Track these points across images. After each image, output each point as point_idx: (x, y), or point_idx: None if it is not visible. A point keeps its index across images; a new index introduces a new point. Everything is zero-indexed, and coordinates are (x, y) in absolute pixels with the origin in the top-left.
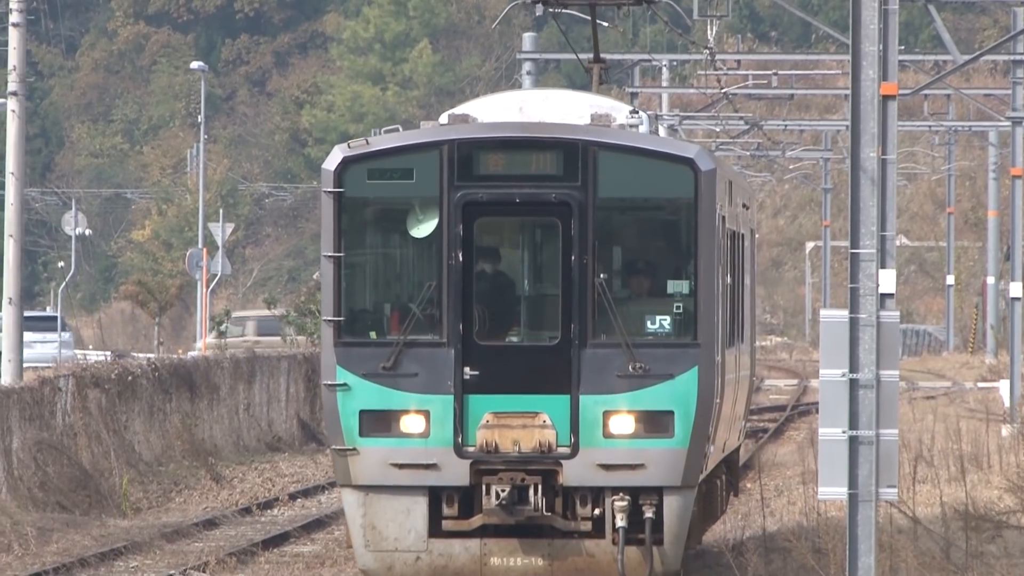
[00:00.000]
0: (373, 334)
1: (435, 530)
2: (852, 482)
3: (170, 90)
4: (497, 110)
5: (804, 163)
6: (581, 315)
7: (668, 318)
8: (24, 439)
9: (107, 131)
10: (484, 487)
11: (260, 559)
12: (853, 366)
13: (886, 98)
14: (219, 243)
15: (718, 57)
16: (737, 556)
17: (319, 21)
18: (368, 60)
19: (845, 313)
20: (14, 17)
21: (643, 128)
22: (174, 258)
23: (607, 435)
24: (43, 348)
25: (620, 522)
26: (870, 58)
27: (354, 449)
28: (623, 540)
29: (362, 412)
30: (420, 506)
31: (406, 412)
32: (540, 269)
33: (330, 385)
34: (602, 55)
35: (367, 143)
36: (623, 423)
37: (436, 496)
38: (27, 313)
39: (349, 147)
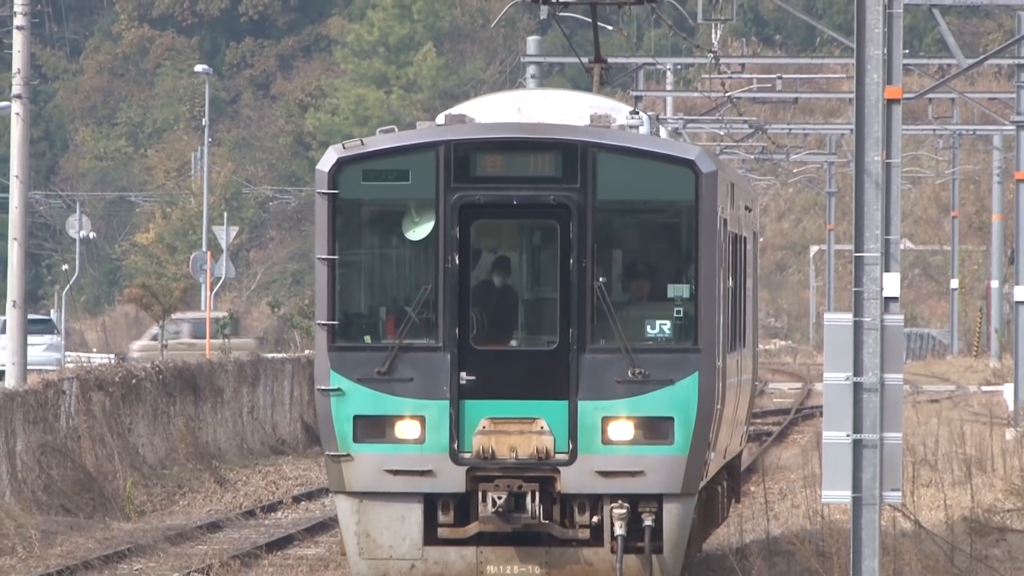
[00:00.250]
0: (368, 338)
1: (430, 538)
2: (856, 485)
3: (174, 93)
4: (495, 110)
5: (808, 167)
6: (580, 319)
7: (668, 323)
8: (28, 442)
9: (111, 134)
10: (480, 494)
11: (264, 562)
12: (857, 370)
13: (890, 102)
14: (223, 246)
15: (722, 61)
16: (741, 559)
17: (323, 24)
18: (372, 63)
19: (849, 317)
20: (18, 20)
21: (643, 129)
22: (178, 261)
23: (606, 441)
24: (34, 352)
25: (619, 530)
26: (874, 62)
27: (348, 455)
28: (622, 548)
29: (356, 417)
30: (415, 513)
31: (401, 418)
32: (538, 272)
33: (324, 390)
34: (606, 58)
35: (362, 144)
36: (622, 429)
37: (431, 503)
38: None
39: (344, 148)
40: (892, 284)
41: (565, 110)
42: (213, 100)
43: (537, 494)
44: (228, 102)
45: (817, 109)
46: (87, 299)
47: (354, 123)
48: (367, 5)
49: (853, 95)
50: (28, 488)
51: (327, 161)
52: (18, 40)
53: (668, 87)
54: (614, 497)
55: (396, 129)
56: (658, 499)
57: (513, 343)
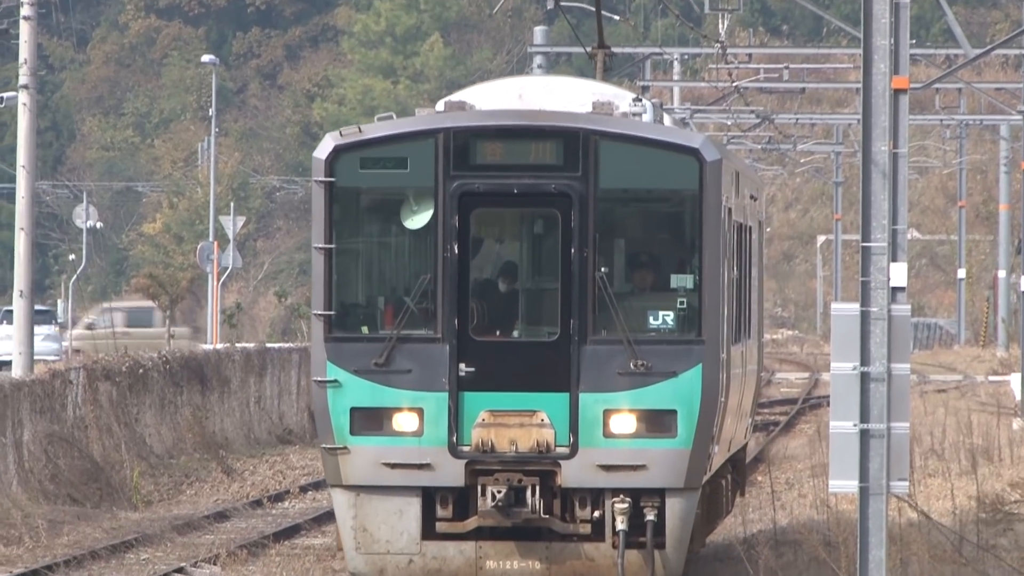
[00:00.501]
0: (365, 329)
1: (428, 532)
2: (863, 475)
3: (181, 83)
4: (496, 97)
5: (815, 157)
6: (581, 310)
7: (671, 314)
8: (35, 432)
9: (118, 124)
10: (480, 488)
11: (271, 551)
12: (864, 359)
13: (897, 92)
14: (230, 236)
15: (729, 51)
16: (748, 549)
17: (330, 14)
18: (379, 53)
19: (856, 307)
20: (25, 10)
21: (647, 117)
22: (185, 251)
23: (607, 435)
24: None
25: (620, 525)
26: (881, 52)
27: (345, 448)
28: (623, 543)
29: (353, 410)
30: (413, 507)
31: (399, 410)
32: (539, 262)
33: (320, 382)
34: (613, 49)
35: (360, 131)
36: (624, 422)
37: (430, 497)
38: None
39: (341, 135)
40: (899, 274)
41: (567, 97)
42: (220, 90)
43: (537, 488)
44: (235, 92)
45: (824, 99)
46: (94, 289)
47: (361, 113)
48: None
49: (860, 85)
50: (35, 478)
51: (324, 148)
52: (25, 30)
53: (675, 77)
54: (616, 491)
55: (394, 116)
56: (660, 493)
57: (513, 334)
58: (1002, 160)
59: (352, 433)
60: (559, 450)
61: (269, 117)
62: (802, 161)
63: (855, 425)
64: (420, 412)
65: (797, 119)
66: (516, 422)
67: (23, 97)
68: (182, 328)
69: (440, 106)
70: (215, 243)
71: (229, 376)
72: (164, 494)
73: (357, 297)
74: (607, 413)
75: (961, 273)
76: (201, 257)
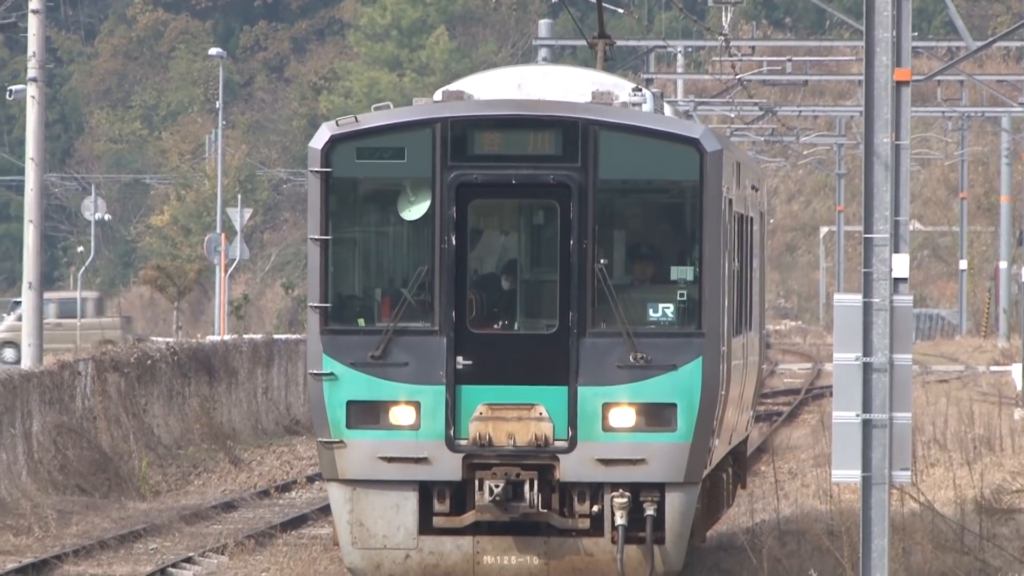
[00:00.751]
0: (361, 321)
1: (426, 527)
2: (865, 465)
3: (188, 76)
4: (495, 87)
5: (818, 148)
6: (580, 302)
7: (671, 306)
8: (44, 423)
9: (126, 117)
10: (477, 482)
11: (278, 541)
12: (867, 350)
13: (899, 84)
14: (237, 228)
15: (733, 43)
16: (752, 538)
17: (336, 8)
18: (385, 46)
19: (859, 297)
20: (33, 3)
21: (647, 107)
22: (193, 243)
23: (607, 428)
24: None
25: (620, 520)
26: (884, 44)
27: (341, 442)
28: (623, 538)
29: (349, 403)
30: (410, 502)
31: (395, 403)
32: (537, 254)
33: (316, 374)
34: (618, 41)
35: (356, 121)
36: (623, 416)
37: (427, 491)
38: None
39: (337, 125)
40: (901, 265)
41: (567, 87)
42: (227, 83)
43: (535, 482)
44: (242, 85)
45: (827, 91)
46: (102, 280)
47: (367, 106)
48: None
49: (863, 77)
50: (44, 468)
51: (320, 138)
52: (33, 23)
53: (679, 70)
54: (615, 486)
55: (392, 106)
56: (660, 488)
57: (511, 327)
58: (1003, 152)
59: (348, 426)
60: (557, 444)
61: (276, 110)
62: (805, 153)
63: (858, 415)
64: (417, 405)
65: (800, 111)
66: (514, 415)
67: (32, 90)
68: (113, 318)
69: (438, 96)
70: (222, 235)
71: (236, 367)
72: (172, 484)
73: (353, 289)
74: (606, 406)
75: (963, 264)
76: (208, 249)
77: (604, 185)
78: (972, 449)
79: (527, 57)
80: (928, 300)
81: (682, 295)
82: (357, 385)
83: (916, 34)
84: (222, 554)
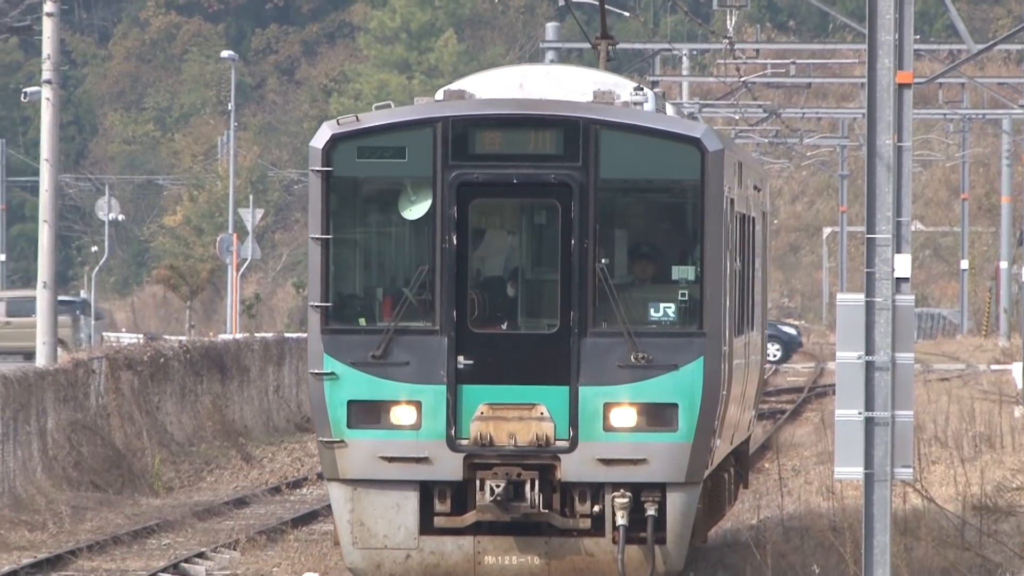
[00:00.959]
0: (362, 321)
1: (426, 527)
2: (868, 462)
3: (201, 79)
4: (496, 86)
5: (821, 150)
6: (581, 302)
7: (672, 305)
8: (59, 420)
9: (139, 119)
10: (478, 482)
11: (289, 537)
12: (869, 349)
13: (902, 86)
14: (249, 228)
15: (737, 46)
16: (756, 535)
17: (347, 11)
18: (395, 49)
19: (861, 297)
20: (48, 7)
21: (648, 106)
22: (205, 243)
23: (608, 428)
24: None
25: (621, 520)
26: (886, 47)
27: (341, 441)
28: (624, 539)
29: (350, 403)
30: (411, 501)
31: (396, 403)
32: (538, 253)
33: (317, 374)
34: (625, 44)
35: (357, 120)
36: (624, 416)
37: (428, 491)
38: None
39: (338, 124)
40: (903, 265)
41: (568, 86)
42: (239, 85)
43: (536, 482)
44: (253, 87)
45: (830, 93)
46: (116, 280)
47: None
48: None
49: (865, 80)
50: (59, 465)
51: (321, 137)
52: (48, 26)
53: (684, 72)
54: (616, 486)
55: (392, 105)
56: (661, 488)
57: (512, 326)
58: (1004, 153)
59: (349, 426)
60: (559, 444)
61: (287, 112)
62: (808, 154)
63: (860, 413)
64: (418, 405)
65: (803, 113)
66: (515, 415)
67: (46, 92)
68: (64, 316)
69: (440, 95)
70: (234, 235)
71: (248, 365)
72: (185, 481)
73: (354, 288)
74: (607, 406)
75: (964, 264)
76: (221, 249)
77: (605, 184)
78: (973, 446)
79: (534, 60)
80: (930, 300)
81: (683, 295)
82: (358, 385)
83: (918, 37)
84: (234, 549)
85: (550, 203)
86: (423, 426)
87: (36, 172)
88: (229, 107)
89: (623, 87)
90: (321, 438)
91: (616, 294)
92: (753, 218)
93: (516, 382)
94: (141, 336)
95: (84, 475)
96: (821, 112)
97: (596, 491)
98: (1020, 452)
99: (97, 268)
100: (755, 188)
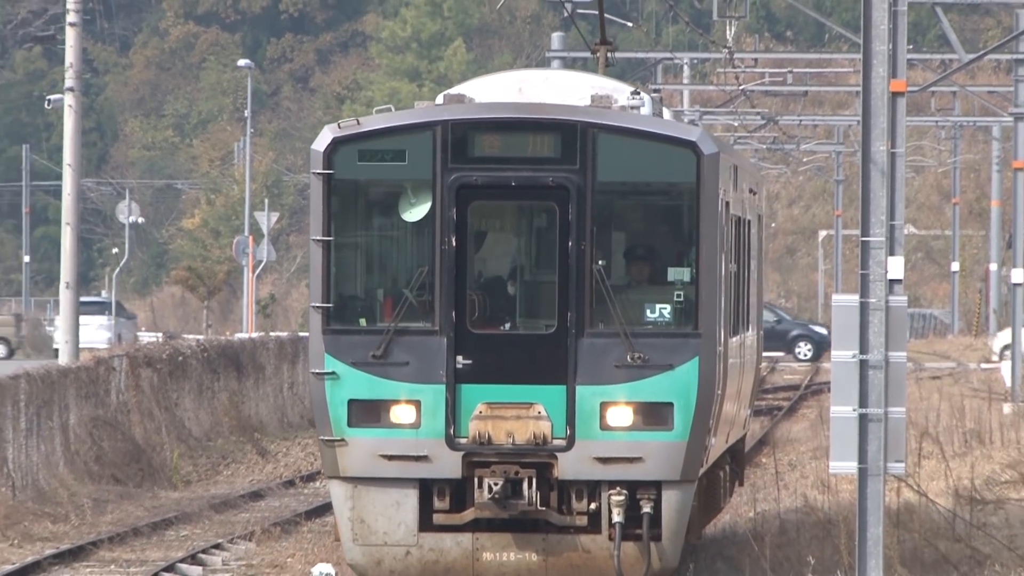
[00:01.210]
0: (363, 321)
1: (426, 524)
2: (862, 457)
3: (218, 86)
4: (496, 90)
5: (817, 156)
6: (578, 303)
7: (668, 307)
8: (80, 416)
9: (159, 125)
10: (476, 480)
11: (303, 528)
12: (863, 348)
13: (895, 95)
14: (264, 231)
15: (736, 56)
16: (754, 527)
17: (359, 21)
18: (405, 58)
19: (856, 298)
20: (71, 17)
21: (645, 110)
22: (222, 245)
23: (604, 427)
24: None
25: (617, 517)
26: (880, 57)
27: (342, 440)
28: (620, 536)
29: (351, 402)
30: (410, 499)
31: (396, 402)
32: (536, 255)
33: (318, 374)
34: (628, 54)
35: (358, 123)
36: (621, 415)
37: (427, 489)
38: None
39: (339, 127)
40: (896, 267)
41: (567, 90)
42: (255, 93)
43: (534, 480)
44: (269, 95)
45: (826, 101)
46: (136, 281)
47: None
48: (400, 3)
49: (860, 88)
50: (81, 459)
51: (322, 141)
52: (71, 36)
53: (685, 80)
54: (612, 484)
55: (393, 109)
56: (657, 486)
57: (510, 327)
58: (994, 159)
59: (350, 425)
60: (556, 442)
61: (301, 118)
62: (805, 160)
63: (854, 410)
64: (417, 404)
65: (800, 120)
66: (513, 414)
67: (69, 99)
68: (6, 316)
69: (440, 99)
70: (250, 237)
71: (263, 363)
72: (202, 474)
73: (355, 289)
74: (604, 405)
75: (955, 266)
76: (237, 251)
77: (602, 187)
78: (963, 442)
79: (540, 68)
80: (922, 300)
81: (679, 296)
82: (358, 384)
83: (911, 47)
84: (250, 540)
85: (548, 205)
86: (422, 425)
87: (59, 176)
88: (245, 114)
89: (620, 91)
90: (322, 437)
91: (613, 295)
92: (749, 221)
93: (514, 382)
94: (160, 335)
95: (105, 469)
96: (817, 119)
97: (593, 489)
98: (1008, 447)
99: (118, 269)
100: (750, 191)
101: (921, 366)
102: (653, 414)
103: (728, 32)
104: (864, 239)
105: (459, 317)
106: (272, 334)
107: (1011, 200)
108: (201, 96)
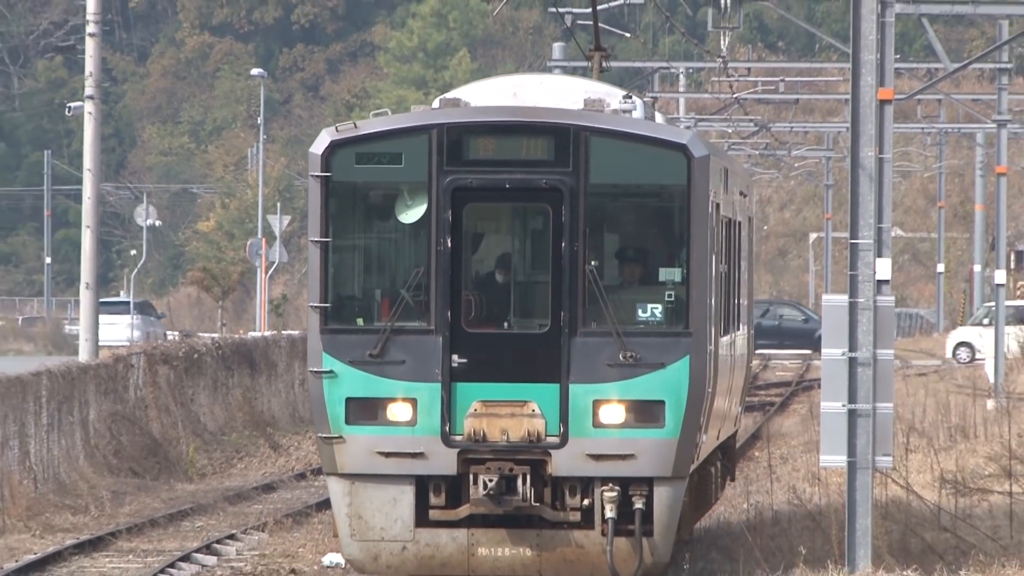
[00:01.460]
0: (360, 321)
1: (422, 520)
2: (851, 451)
3: (232, 94)
4: (490, 94)
5: (808, 161)
6: (571, 303)
7: (660, 306)
8: (100, 411)
9: (175, 132)
10: (472, 476)
11: (314, 520)
12: (852, 346)
13: (883, 102)
14: (277, 233)
15: (730, 65)
16: (747, 518)
17: (368, 32)
18: (412, 67)
19: (845, 298)
20: (90, 28)
21: (637, 113)
22: (236, 247)
23: (597, 425)
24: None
25: (609, 513)
26: (869, 66)
27: (340, 437)
28: (612, 531)
29: (348, 400)
30: (407, 495)
31: (393, 400)
32: (530, 256)
33: (316, 372)
34: (624, 63)
35: (355, 126)
36: (613, 413)
37: (423, 485)
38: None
39: (337, 130)
40: (884, 268)
41: (560, 95)
42: (267, 101)
43: (528, 477)
44: (281, 102)
45: (816, 109)
46: (153, 281)
47: None
48: (408, 14)
49: (849, 96)
50: (100, 453)
51: (320, 144)
52: (90, 46)
53: (681, 89)
54: (605, 480)
55: (390, 112)
56: (649, 482)
57: (505, 326)
58: (978, 165)
59: (347, 422)
60: (549, 439)
61: (312, 125)
62: (796, 165)
63: (844, 405)
64: (414, 402)
65: (791, 127)
66: (507, 412)
67: (89, 107)
68: None
69: (436, 103)
70: (263, 239)
71: (276, 360)
72: (217, 468)
73: (352, 290)
74: (596, 403)
75: (940, 267)
76: (250, 252)
77: (595, 189)
78: (948, 437)
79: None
80: (908, 300)
81: (670, 296)
82: (356, 382)
83: (898, 56)
84: (262, 531)
85: (541, 207)
86: (418, 422)
87: (79, 181)
88: (258, 121)
89: (613, 96)
90: (320, 434)
91: (605, 295)
92: (739, 222)
93: (508, 380)
94: (176, 333)
95: (123, 462)
96: (808, 126)
97: (586, 485)
98: (992, 442)
99: (136, 270)
100: (741, 194)
101: (908, 363)
102: (645, 412)
103: (722, 42)
104: (853, 241)
105: (454, 317)
106: (284, 332)
107: (994, 204)
108: (216, 104)
